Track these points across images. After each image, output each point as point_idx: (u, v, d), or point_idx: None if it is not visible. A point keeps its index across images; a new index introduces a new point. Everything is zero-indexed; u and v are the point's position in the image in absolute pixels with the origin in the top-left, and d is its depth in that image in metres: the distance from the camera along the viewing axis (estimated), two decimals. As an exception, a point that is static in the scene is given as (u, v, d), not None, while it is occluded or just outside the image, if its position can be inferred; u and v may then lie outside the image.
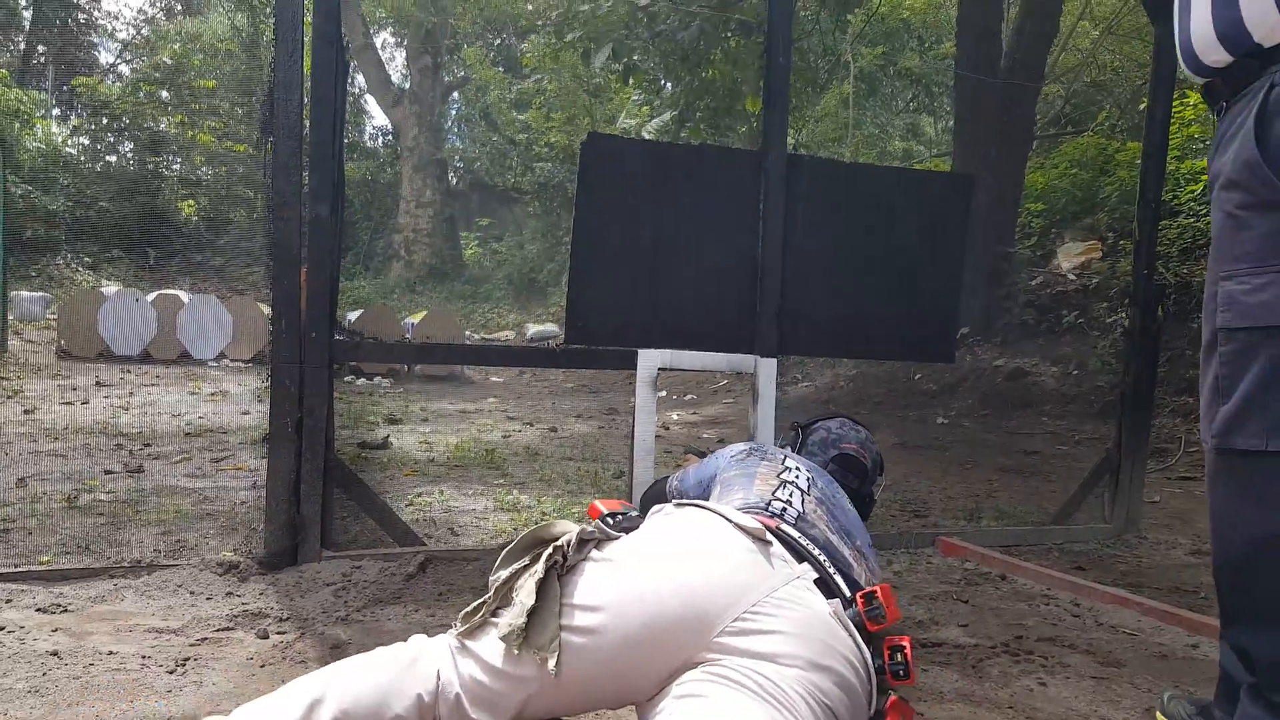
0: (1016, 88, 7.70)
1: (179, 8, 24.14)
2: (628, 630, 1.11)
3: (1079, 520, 3.46)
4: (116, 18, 35.69)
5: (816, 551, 1.27)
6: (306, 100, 2.42)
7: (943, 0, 11.78)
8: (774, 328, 2.93)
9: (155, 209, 18.07)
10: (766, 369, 2.92)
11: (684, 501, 1.36)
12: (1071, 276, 7.95)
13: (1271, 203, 1.22)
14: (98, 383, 7.75)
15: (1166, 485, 4.68)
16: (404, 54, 22.08)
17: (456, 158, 21.93)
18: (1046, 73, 9.15)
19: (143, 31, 23.39)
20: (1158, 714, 1.64)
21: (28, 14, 20.71)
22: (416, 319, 11.40)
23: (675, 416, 7.97)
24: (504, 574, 1.22)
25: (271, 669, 1.76)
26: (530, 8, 18.16)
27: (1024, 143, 8.26)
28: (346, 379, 9.64)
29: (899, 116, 14.50)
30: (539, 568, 1.17)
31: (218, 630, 1.96)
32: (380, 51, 21.85)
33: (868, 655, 1.16)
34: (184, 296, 11.03)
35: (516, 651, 1.11)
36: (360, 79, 20.02)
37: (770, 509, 1.39)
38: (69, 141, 18.56)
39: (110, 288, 12.48)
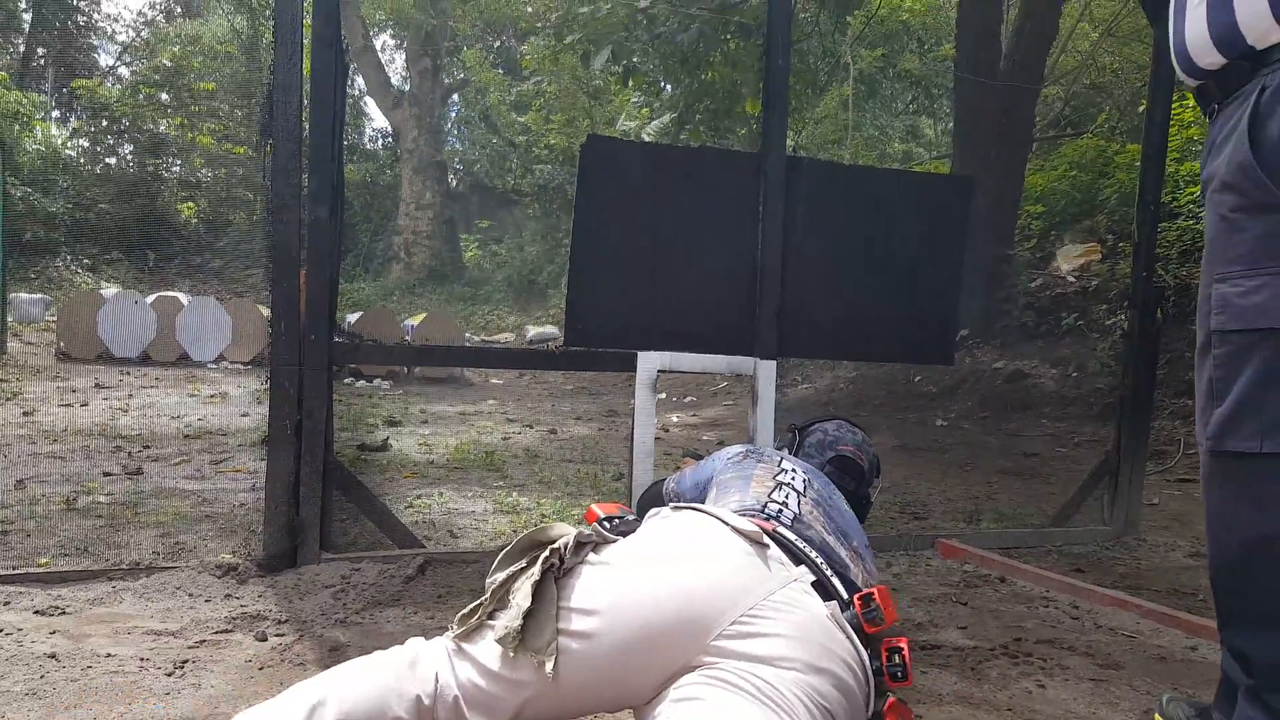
0: (1016, 90, 7.71)
1: (179, 10, 24.18)
2: (625, 634, 1.11)
3: (1078, 522, 3.46)
4: (116, 20, 35.88)
5: (813, 553, 1.27)
6: (306, 103, 2.42)
7: (942, 2, 11.80)
8: (773, 330, 2.93)
9: (155, 211, 18.07)
10: (766, 371, 2.92)
11: (681, 505, 1.36)
12: (1071, 279, 7.96)
13: (1265, 205, 1.22)
14: (97, 385, 7.75)
15: (1166, 487, 4.68)
16: (404, 56, 22.13)
17: (456, 160, 21.93)
18: (1046, 75, 9.16)
19: (142, 34, 23.44)
20: (1156, 716, 1.64)
21: (27, 16, 20.73)
22: (416, 321, 11.41)
23: (675, 419, 7.97)
24: (500, 576, 1.22)
25: (270, 671, 1.76)
26: (530, 10, 18.18)
27: (1023, 145, 8.27)
28: (346, 381, 9.64)
29: (898, 118, 14.52)
30: (535, 570, 1.17)
31: (216, 633, 1.96)
32: (380, 54, 21.88)
33: (865, 657, 1.16)
34: (183, 298, 11.04)
35: (513, 654, 1.11)
36: (360, 81, 20.05)
37: (766, 511, 1.39)
38: (68, 144, 18.56)
39: (110, 290, 12.47)
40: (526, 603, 1.13)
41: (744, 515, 1.32)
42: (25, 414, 5.66)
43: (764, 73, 2.98)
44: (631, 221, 2.84)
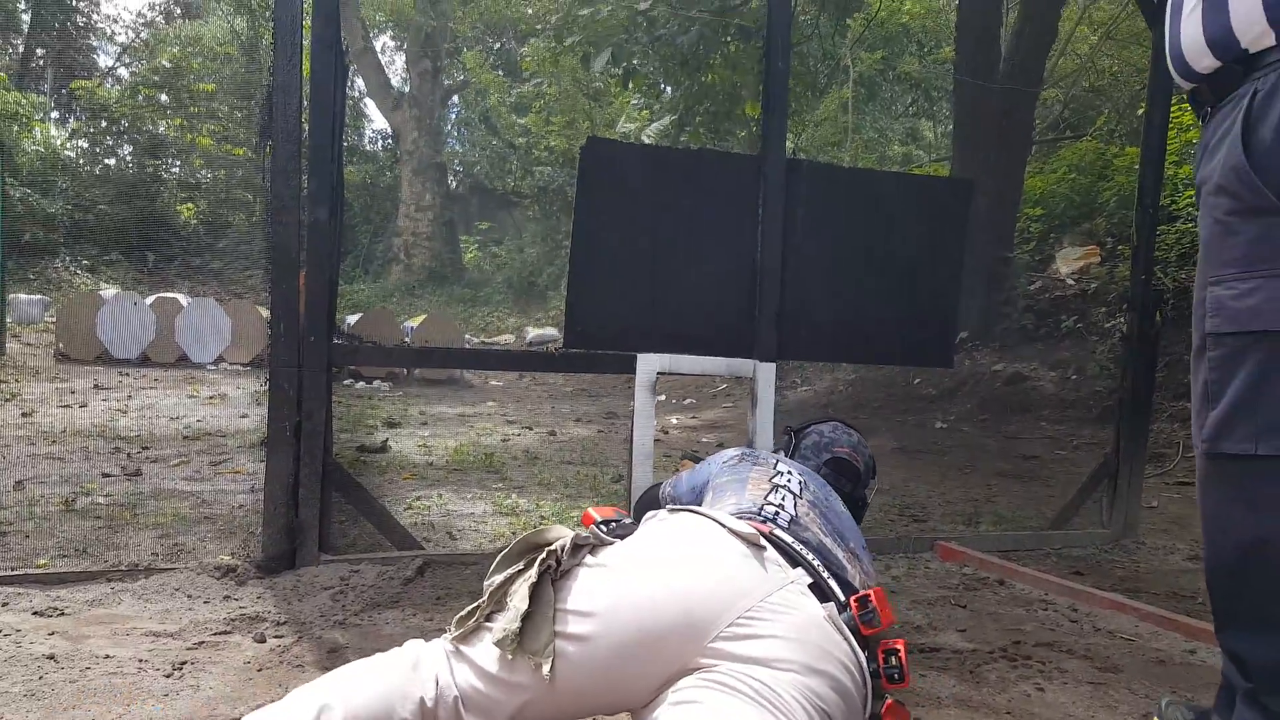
0: (1015, 93, 7.72)
1: (178, 11, 24.20)
2: (622, 636, 1.11)
3: (1077, 525, 3.46)
4: (115, 21, 35.81)
5: (810, 555, 1.27)
6: (305, 104, 2.42)
7: (942, 5, 11.82)
8: (773, 332, 2.93)
9: (154, 212, 18.09)
10: (765, 373, 2.93)
11: (678, 507, 1.36)
12: (1070, 281, 7.96)
13: (1258, 208, 1.23)
14: (96, 386, 7.75)
15: (1164, 490, 4.68)
16: (404, 58, 22.15)
17: (456, 161, 21.94)
18: (1045, 77, 9.17)
19: (142, 35, 23.47)
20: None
21: (26, 17, 20.74)
22: (416, 322, 11.41)
23: (674, 420, 7.97)
24: (498, 579, 1.22)
25: (269, 673, 1.76)
26: (530, 11, 18.22)
27: (1023, 147, 8.28)
28: (345, 382, 9.64)
29: (898, 121, 14.55)
30: (533, 573, 1.17)
31: (215, 634, 1.96)
32: (380, 55, 21.91)
33: (863, 659, 1.16)
34: (183, 300, 11.03)
35: (510, 657, 1.11)
36: (360, 82, 20.06)
37: (763, 514, 1.39)
38: (68, 144, 18.58)
39: (109, 291, 12.46)
40: (524, 605, 1.13)
41: (741, 518, 1.32)
42: (24, 415, 5.66)
43: (764, 75, 2.99)
44: (631, 223, 2.84)
